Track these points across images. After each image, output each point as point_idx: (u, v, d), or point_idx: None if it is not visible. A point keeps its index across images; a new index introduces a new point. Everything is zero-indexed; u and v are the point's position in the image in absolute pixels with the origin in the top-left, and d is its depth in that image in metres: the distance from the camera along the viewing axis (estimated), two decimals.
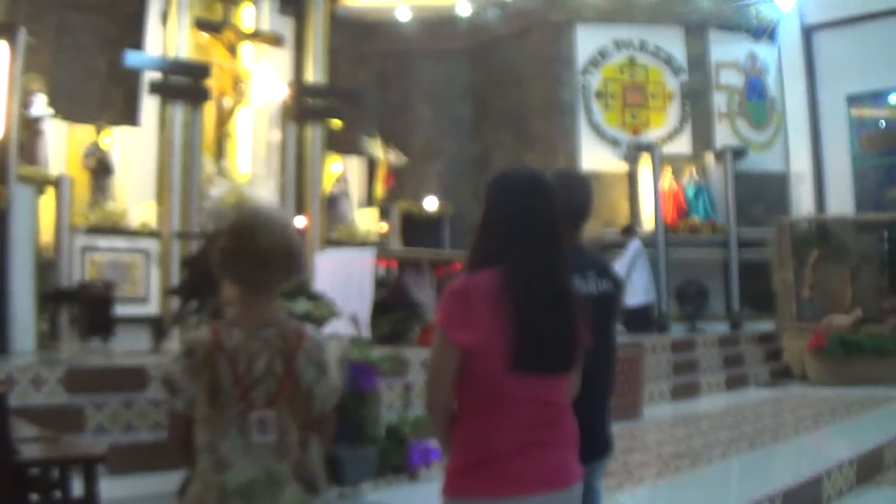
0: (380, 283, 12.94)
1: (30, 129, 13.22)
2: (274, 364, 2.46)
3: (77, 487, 4.19)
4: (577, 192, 3.24)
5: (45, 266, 11.80)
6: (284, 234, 2.54)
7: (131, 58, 14.19)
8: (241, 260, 2.51)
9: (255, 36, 16.09)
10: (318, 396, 2.52)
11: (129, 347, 10.34)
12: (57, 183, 12.76)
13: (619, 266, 13.83)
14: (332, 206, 16.98)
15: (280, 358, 2.47)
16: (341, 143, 17.95)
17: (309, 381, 2.50)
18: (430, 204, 18.40)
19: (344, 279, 11.44)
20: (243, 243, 2.49)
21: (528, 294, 2.43)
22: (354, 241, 16.33)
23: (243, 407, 2.41)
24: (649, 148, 16.31)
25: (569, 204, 3.09)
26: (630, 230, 14.84)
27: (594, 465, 3.09)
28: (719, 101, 17.39)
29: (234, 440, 2.40)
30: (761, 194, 17.03)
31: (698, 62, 17.39)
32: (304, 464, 2.48)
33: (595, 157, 16.87)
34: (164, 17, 14.60)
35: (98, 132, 14.08)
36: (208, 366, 2.41)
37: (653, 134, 17.02)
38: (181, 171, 14.13)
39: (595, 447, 3.05)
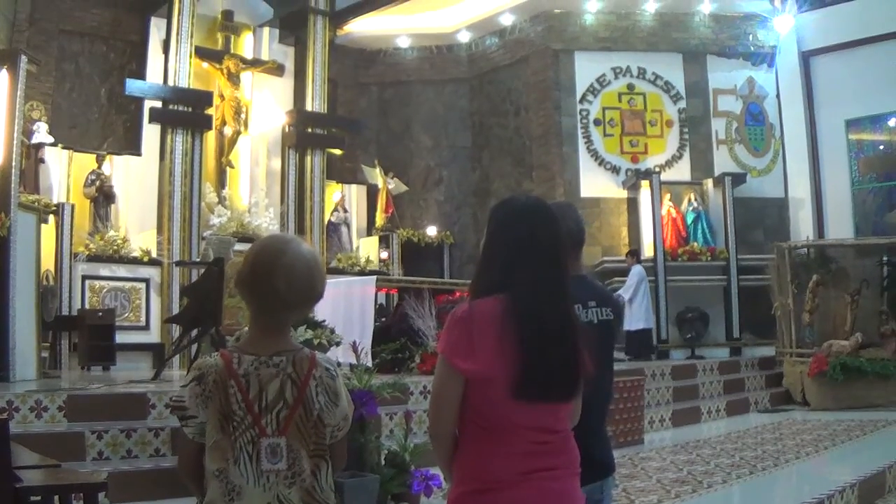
0: (380, 311, 12.97)
1: (31, 157, 13.26)
2: (285, 391, 2.44)
3: None
4: (571, 221, 3.28)
5: (47, 294, 11.81)
6: (307, 278, 2.48)
7: (132, 86, 14.25)
8: (256, 295, 2.49)
9: (256, 65, 16.21)
10: (329, 424, 2.51)
11: (129, 375, 10.33)
12: (58, 211, 12.78)
13: (625, 291, 13.94)
14: (333, 234, 17.02)
15: (291, 385, 2.45)
16: (341, 172, 18.03)
17: (320, 408, 2.48)
18: (431, 232, 18.42)
19: (345, 307, 11.46)
20: (260, 283, 2.45)
21: (532, 322, 2.43)
22: (355, 269, 16.33)
23: (254, 433, 2.39)
24: (648, 175, 16.35)
25: (566, 234, 3.13)
26: (635, 254, 14.96)
27: (600, 486, 3.14)
28: (718, 127, 17.46)
29: (244, 467, 2.37)
30: (761, 220, 17.07)
31: (696, 89, 17.49)
32: (315, 491, 2.46)
33: (595, 185, 16.94)
34: (166, 46, 14.66)
35: (99, 160, 14.12)
36: (219, 391, 2.40)
37: (652, 161, 17.08)
38: (182, 199, 14.14)
39: (592, 469, 3.08)
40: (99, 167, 14.09)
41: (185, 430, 2.47)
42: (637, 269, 14.53)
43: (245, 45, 16.35)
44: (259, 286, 2.46)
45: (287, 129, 16.36)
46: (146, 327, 13.84)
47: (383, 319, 12.42)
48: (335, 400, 2.52)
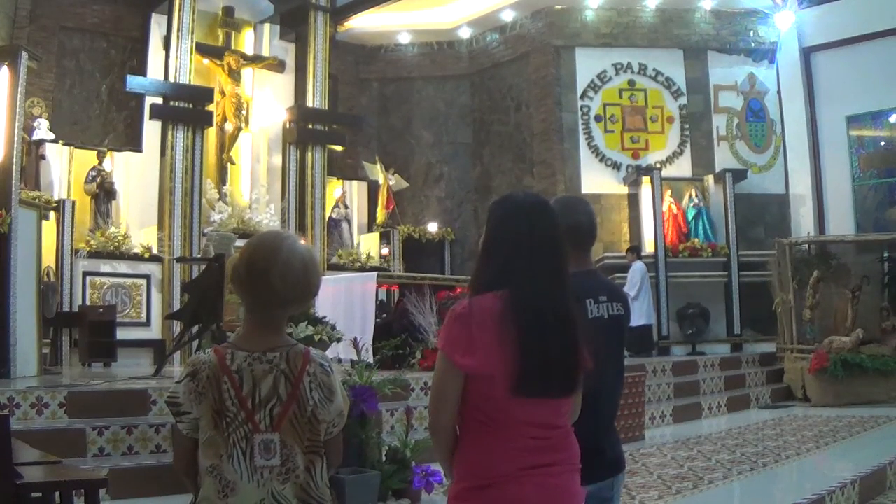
0: (381, 308, 12.97)
1: (32, 153, 13.27)
2: (279, 387, 2.43)
3: None
4: (582, 215, 3.25)
5: (48, 290, 11.82)
6: (302, 274, 2.47)
7: (133, 82, 14.24)
8: (251, 292, 2.48)
9: (257, 61, 16.21)
10: (323, 420, 2.50)
11: (130, 371, 10.33)
12: (59, 207, 12.79)
13: (630, 289, 13.96)
14: (334, 230, 17.03)
15: (285, 381, 2.44)
16: (342, 168, 18.03)
17: (314, 404, 2.47)
18: (431, 228, 18.42)
19: (345, 304, 11.47)
20: (256, 280, 2.45)
21: (532, 317, 2.42)
22: (356, 265, 16.35)
23: (248, 430, 2.39)
24: (649, 171, 16.35)
25: (576, 227, 3.12)
26: (636, 250, 14.96)
27: (611, 483, 3.12)
28: (719, 123, 17.46)
29: (237, 463, 2.37)
30: (761, 216, 17.08)
31: (697, 85, 17.48)
32: (309, 487, 2.45)
33: (595, 181, 16.94)
34: (166, 43, 14.66)
35: (100, 157, 14.12)
36: (212, 388, 2.40)
37: (653, 157, 17.08)
38: (183, 195, 14.14)
39: (604, 466, 3.07)
40: (100, 164, 14.10)
41: (180, 426, 2.47)
42: (638, 266, 14.54)
43: (246, 41, 16.35)
44: (254, 283, 2.46)
45: (288, 126, 16.37)
46: (147, 324, 13.85)
47: (384, 316, 12.42)
48: (329, 396, 2.51)
